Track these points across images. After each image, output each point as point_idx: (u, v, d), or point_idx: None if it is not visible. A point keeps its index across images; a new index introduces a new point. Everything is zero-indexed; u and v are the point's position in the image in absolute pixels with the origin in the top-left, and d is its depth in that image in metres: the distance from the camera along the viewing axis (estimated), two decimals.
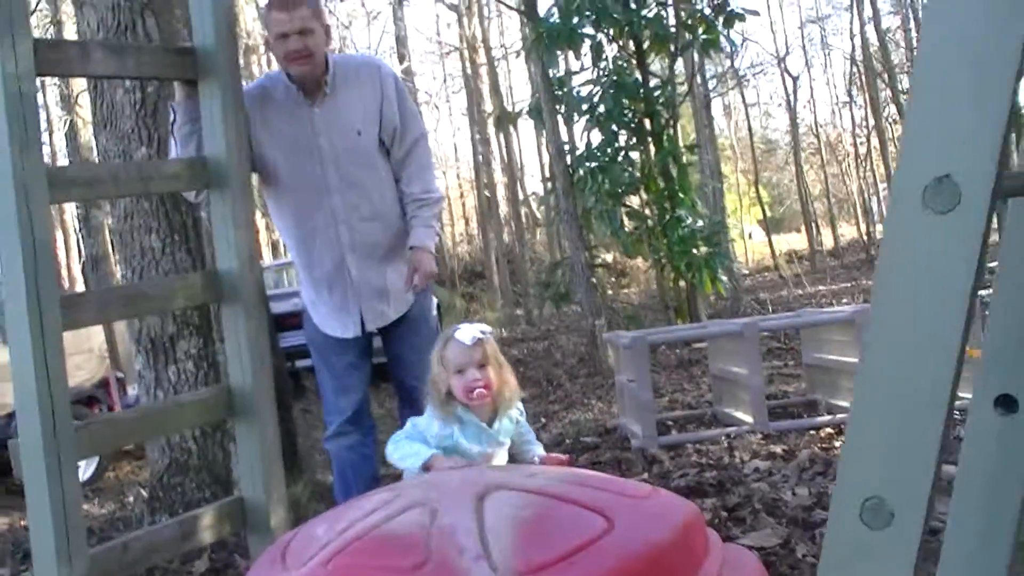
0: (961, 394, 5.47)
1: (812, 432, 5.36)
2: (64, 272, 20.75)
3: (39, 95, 3.30)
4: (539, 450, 3.28)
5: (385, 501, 2.56)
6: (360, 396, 3.88)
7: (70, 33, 15.30)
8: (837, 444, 4.98)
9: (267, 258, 19.97)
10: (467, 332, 3.07)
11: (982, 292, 2.29)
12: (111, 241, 13.38)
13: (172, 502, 4.80)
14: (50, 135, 21.28)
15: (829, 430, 5.33)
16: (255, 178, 3.75)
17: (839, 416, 5.60)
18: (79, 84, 15.20)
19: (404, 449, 3.09)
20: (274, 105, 3.67)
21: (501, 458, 3.26)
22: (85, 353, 9.21)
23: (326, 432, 3.91)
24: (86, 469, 8.34)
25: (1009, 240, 1.40)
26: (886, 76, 28.21)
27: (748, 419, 5.74)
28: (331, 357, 3.87)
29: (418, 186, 3.80)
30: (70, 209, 23.16)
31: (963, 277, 1.06)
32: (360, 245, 3.71)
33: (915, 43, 28.43)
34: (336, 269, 3.73)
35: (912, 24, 30.58)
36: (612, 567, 2.17)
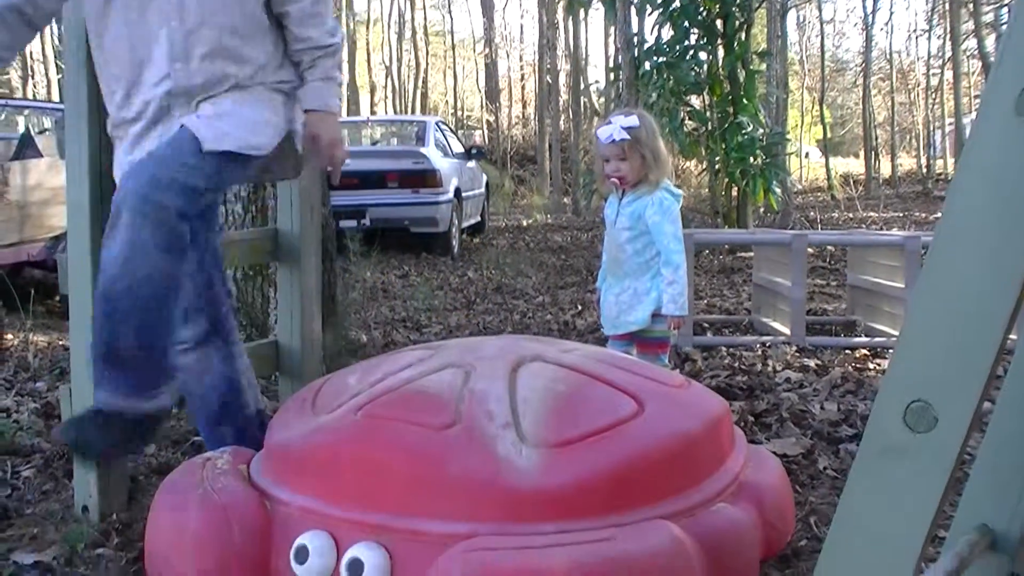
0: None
1: (848, 351, 5.33)
2: None
3: None
4: (665, 301, 3.46)
5: (420, 358, 2.59)
6: None
7: None
8: (871, 366, 4.95)
9: None
10: (605, 131, 3.46)
11: None
12: None
13: None
14: None
15: (865, 351, 5.29)
16: None
17: (877, 339, 5.57)
18: None
19: None
20: None
21: (622, 240, 3.55)
22: None
23: None
24: None
25: None
26: (971, 6, 27.32)
27: (785, 331, 5.71)
28: None
29: (316, 30, 2.75)
30: None
31: None
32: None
33: None
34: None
35: None
36: (638, 449, 2.19)
